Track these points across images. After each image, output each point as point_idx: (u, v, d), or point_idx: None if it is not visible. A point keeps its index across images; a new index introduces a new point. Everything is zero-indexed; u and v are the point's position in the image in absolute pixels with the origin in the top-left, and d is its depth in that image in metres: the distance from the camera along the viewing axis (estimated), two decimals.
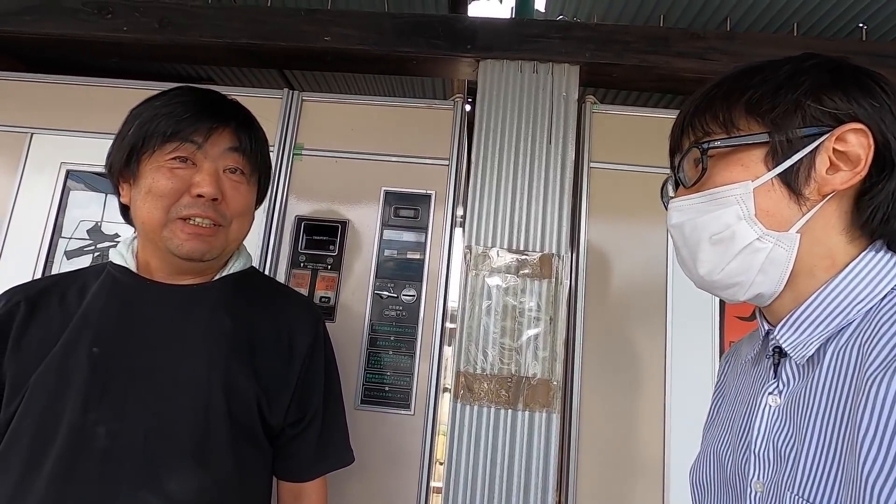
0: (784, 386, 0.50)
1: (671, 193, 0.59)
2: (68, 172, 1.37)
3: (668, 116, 1.34)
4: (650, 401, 1.20)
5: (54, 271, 1.32)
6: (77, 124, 1.39)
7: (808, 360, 0.48)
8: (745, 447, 0.52)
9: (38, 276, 1.32)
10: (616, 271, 1.27)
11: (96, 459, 0.67)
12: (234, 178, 0.78)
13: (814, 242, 0.48)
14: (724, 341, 1.23)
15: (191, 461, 0.70)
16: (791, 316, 0.49)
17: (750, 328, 1.29)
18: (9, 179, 1.37)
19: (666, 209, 0.62)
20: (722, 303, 1.25)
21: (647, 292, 1.25)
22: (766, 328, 0.54)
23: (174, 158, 0.73)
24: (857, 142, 0.46)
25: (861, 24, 1.44)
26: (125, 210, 0.79)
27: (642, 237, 1.28)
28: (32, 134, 1.40)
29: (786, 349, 0.49)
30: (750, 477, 0.50)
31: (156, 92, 0.80)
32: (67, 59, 1.58)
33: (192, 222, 0.73)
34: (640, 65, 1.32)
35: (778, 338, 0.50)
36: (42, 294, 0.76)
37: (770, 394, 0.51)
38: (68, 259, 1.33)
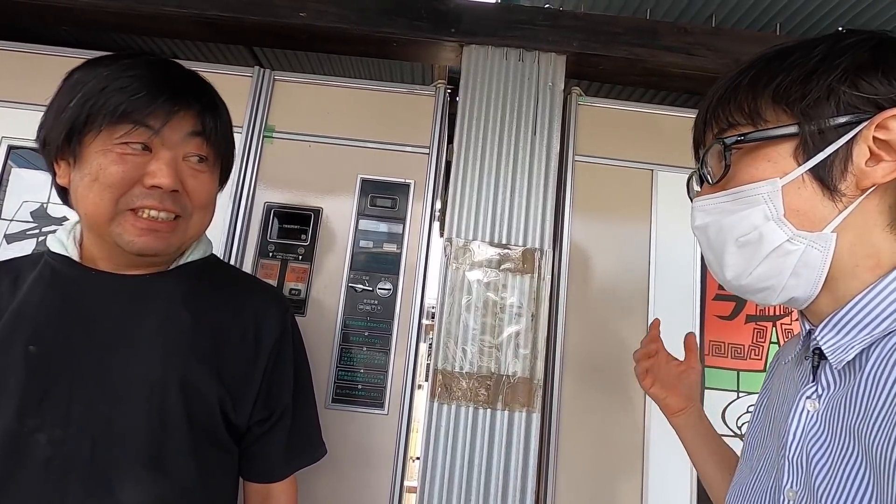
0: (823, 390, 0.47)
1: (697, 188, 0.55)
2: (10, 148, 1.24)
3: (655, 112, 1.32)
4: (631, 399, 1.18)
5: None
6: (21, 96, 1.26)
7: (849, 364, 0.45)
8: (782, 452, 0.48)
9: None
10: (599, 267, 1.24)
11: (38, 470, 0.61)
12: (196, 167, 0.69)
13: (855, 241, 0.44)
14: (704, 340, 1.22)
15: (147, 468, 0.64)
16: (833, 316, 0.45)
17: (728, 327, 1.30)
18: None
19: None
20: (703, 301, 1.24)
21: (630, 289, 1.23)
22: (808, 328, 0.50)
23: (125, 143, 0.64)
24: None
25: (841, 28, 1.45)
26: (63, 192, 0.70)
27: (626, 233, 1.25)
28: None
29: (825, 351, 0.46)
30: (783, 484, 0.47)
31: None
32: (13, 25, 1.44)
33: (144, 214, 0.65)
34: (627, 57, 1.29)
35: (818, 339, 0.47)
36: None
37: (808, 398, 0.48)
38: (8, 243, 1.21)
